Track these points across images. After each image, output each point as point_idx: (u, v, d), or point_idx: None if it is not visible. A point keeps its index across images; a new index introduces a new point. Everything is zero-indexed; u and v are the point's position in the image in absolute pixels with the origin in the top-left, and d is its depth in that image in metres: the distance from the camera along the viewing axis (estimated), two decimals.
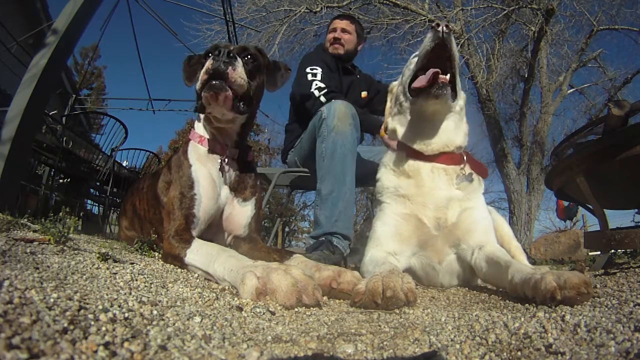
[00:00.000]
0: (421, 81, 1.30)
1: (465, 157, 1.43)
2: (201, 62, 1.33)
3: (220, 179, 1.41)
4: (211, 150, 1.40)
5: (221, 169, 1.40)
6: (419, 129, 1.40)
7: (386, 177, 1.47)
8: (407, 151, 1.42)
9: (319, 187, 1.94)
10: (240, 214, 1.44)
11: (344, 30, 2.53)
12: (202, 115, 1.42)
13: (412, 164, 1.40)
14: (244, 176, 1.46)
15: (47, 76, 2.19)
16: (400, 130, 1.45)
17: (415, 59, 1.40)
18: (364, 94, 2.58)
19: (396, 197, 1.41)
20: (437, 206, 1.35)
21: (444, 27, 1.23)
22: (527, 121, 7.94)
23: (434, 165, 1.39)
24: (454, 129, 1.41)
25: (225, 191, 1.41)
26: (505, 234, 1.76)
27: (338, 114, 1.92)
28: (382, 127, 1.69)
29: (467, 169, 1.41)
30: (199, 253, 1.12)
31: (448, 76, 1.30)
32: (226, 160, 1.41)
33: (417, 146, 1.39)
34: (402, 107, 1.45)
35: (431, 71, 1.27)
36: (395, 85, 1.60)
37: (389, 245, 1.38)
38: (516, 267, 1.11)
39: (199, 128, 1.45)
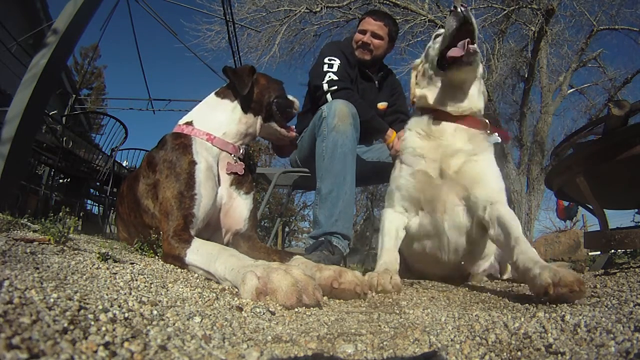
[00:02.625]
0: (456, 52, 1.43)
1: (489, 124, 1.56)
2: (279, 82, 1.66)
3: (225, 177, 1.41)
4: (223, 149, 1.44)
5: (229, 167, 1.42)
6: (450, 94, 1.53)
7: (410, 138, 1.59)
8: (435, 114, 1.55)
9: (319, 186, 1.93)
10: (242, 205, 1.45)
11: (375, 35, 2.31)
12: (232, 110, 1.50)
13: (438, 126, 1.53)
14: (245, 170, 1.50)
15: (47, 76, 2.19)
16: (431, 96, 1.56)
17: (439, 39, 1.53)
18: (381, 105, 2.40)
19: (413, 157, 1.55)
20: (444, 156, 1.47)
21: (462, 7, 1.40)
22: (527, 121, 7.95)
23: (458, 127, 1.51)
24: (477, 94, 1.56)
25: (225, 187, 1.41)
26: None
27: (338, 113, 1.90)
28: (411, 97, 1.76)
29: (492, 135, 1.57)
30: (199, 252, 1.11)
31: (475, 45, 1.44)
32: (236, 159, 1.46)
33: (449, 108, 1.52)
34: (432, 80, 1.58)
35: (464, 41, 1.41)
36: (419, 63, 1.73)
37: (400, 206, 1.57)
38: (522, 249, 1.17)
39: (205, 125, 1.45)
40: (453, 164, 1.45)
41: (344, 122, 1.90)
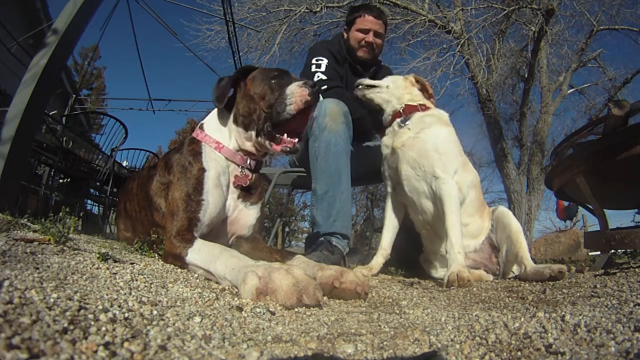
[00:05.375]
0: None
1: (420, 108, 1.87)
2: (268, 82, 1.33)
3: (231, 188, 1.39)
4: (230, 160, 1.38)
5: (235, 180, 1.38)
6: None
7: (383, 138, 1.99)
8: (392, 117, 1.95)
9: (314, 187, 1.92)
10: (247, 215, 1.43)
11: (377, 34, 2.30)
12: (228, 122, 1.40)
13: (393, 124, 1.93)
14: (255, 181, 1.45)
15: (47, 76, 2.18)
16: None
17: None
18: None
19: (382, 147, 1.96)
20: (394, 138, 1.86)
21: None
22: (527, 121, 7.95)
23: (399, 118, 1.89)
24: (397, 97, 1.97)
25: (233, 198, 1.40)
26: (513, 231, 1.77)
27: (329, 113, 1.89)
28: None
29: (419, 114, 1.86)
30: (200, 252, 1.12)
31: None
32: (243, 171, 1.40)
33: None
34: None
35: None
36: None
37: (389, 187, 1.96)
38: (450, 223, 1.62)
39: (216, 132, 1.41)
40: (398, 142, 1.82)
41: (336, 121, 1.89)
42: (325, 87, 2.10)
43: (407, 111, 1.88)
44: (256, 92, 1.34)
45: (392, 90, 1.96)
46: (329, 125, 1.88)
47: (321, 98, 2.06)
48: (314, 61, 2.20)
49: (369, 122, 2.15)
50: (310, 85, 1.26)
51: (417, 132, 1.79)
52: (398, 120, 1.88)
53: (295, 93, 1.25)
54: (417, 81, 2.00)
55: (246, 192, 1.42)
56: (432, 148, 1.74)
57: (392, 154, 1.86)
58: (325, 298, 1.03)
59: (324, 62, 2.18)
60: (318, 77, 2.13)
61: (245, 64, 1.65)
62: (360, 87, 2.02)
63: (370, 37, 2.29)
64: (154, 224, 1.39)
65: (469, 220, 1.80)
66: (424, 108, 1.89)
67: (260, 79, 1.36)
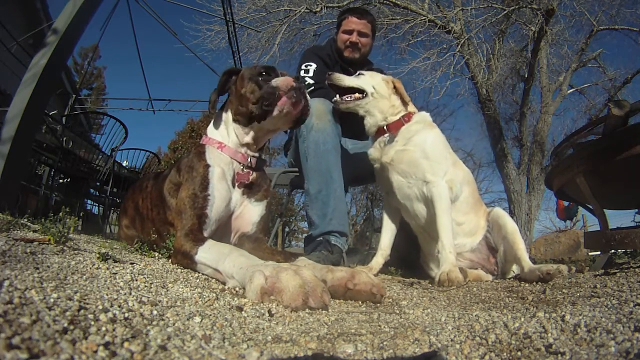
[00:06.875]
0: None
1: (403, 120, 1.84)
2: (255, 79, 1.42)
3: (236, 185, 1.44)
4: (232, 158, 1.45)
5: (238, 178, 1.43)
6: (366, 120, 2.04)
7: (370, 151, 1.99)
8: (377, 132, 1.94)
9: (307, 187, 1.92)
10: (252, 211, 1.47)
11: (361, 34, 2.35)
12: (226, 122, 1.48)
13: (379, 140, 1.92)
14: (259, 179, 1.50)
15: (47, 76, 2.19)
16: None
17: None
18: None
19: (371, 160, 1.97)
20: (382, 152, 1.88)
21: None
22: (527, 121, 7.94)
23: (386, 134, 1.88)
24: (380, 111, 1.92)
25: (238, 193, 1.45)
26: (509, 232, 1.76)
27: (316, 112, 1.89)
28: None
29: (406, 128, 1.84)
30: (210, 251, 1.13)
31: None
32: (244, 169, 1.46)
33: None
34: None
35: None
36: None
37: (384, 192, 2.01)
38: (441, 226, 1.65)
39: (217, 134, 1.50)
40: (387, 156, 1.83)
41: (322, 120, 1.90)
42: (313, 89, 2.15)
43: (392, 128, 1.84)
44: (246, 90, 1.42)
45: (377, 101, 1.87)
46: (316, 125, 1.89)
47: (308, 97, 2.09)
48: (302, 67, 2.28)
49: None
50: (295, 77, 1.38)
51: (404, 144, 1.79)
52: (385, 137, 1.85)
53: (280, 81, 1.35)
54: (395, 87, 1.91)
55: (251, 189, 1.48)
56: (421, 156, 1.75)
57: (382, 168, 1.88)
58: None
59: (312, 67, 2.25)
60: (306, 82, 2.19)
61: (245, 64, 1.72)
62: (339, 100, 1.90)
63: (354, 37, 2.35)
64: (165, 221, 1.45)
65: (464, 219, 1.80)
66: (407, 119, 1.84)
67: (247, 78, 1.44)
